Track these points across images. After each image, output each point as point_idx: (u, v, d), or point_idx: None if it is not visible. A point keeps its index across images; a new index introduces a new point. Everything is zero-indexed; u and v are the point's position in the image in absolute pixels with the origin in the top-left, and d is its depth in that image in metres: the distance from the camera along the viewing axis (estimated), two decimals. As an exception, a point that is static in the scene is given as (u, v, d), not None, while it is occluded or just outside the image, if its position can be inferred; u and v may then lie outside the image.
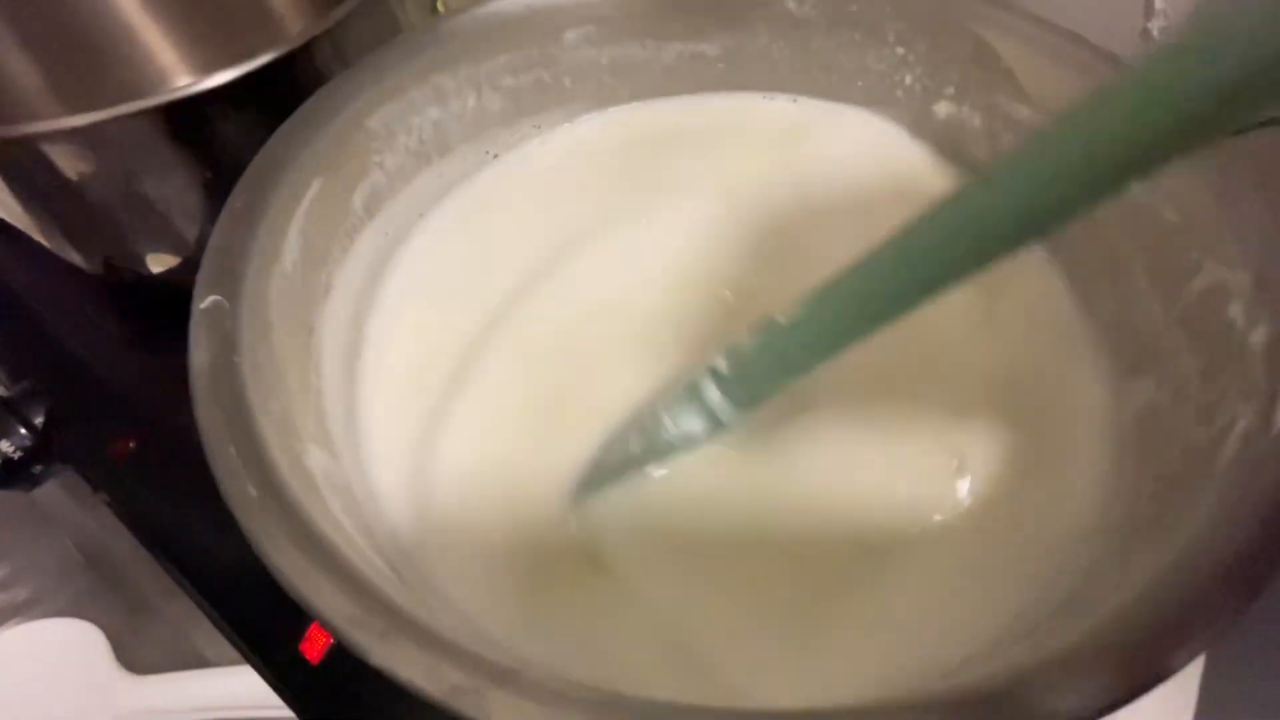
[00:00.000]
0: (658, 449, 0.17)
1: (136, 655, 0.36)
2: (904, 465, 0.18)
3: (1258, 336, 0.14)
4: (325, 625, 0.11)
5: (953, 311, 0.20)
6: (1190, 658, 0.10)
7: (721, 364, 0.16)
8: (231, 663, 0.34)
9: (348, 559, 0.12)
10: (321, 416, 0.18)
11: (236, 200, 0.17)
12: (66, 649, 0.35)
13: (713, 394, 0.16)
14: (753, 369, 0.16)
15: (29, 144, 0.24)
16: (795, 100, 0.27)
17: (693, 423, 0.17)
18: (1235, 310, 0.15)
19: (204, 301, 0.15)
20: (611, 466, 0.18)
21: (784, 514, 0.18)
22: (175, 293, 0.32)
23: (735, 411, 0.16)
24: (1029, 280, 0.22)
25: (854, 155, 0.26)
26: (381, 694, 0.25)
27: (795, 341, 0.15)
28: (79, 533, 0.43)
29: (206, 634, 0.37)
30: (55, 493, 0.41)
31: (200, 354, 0.14)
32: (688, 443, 0.17)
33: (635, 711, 0.10)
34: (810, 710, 0.10)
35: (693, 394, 0.16)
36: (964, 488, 0.18)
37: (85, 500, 0.42)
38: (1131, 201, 0.19)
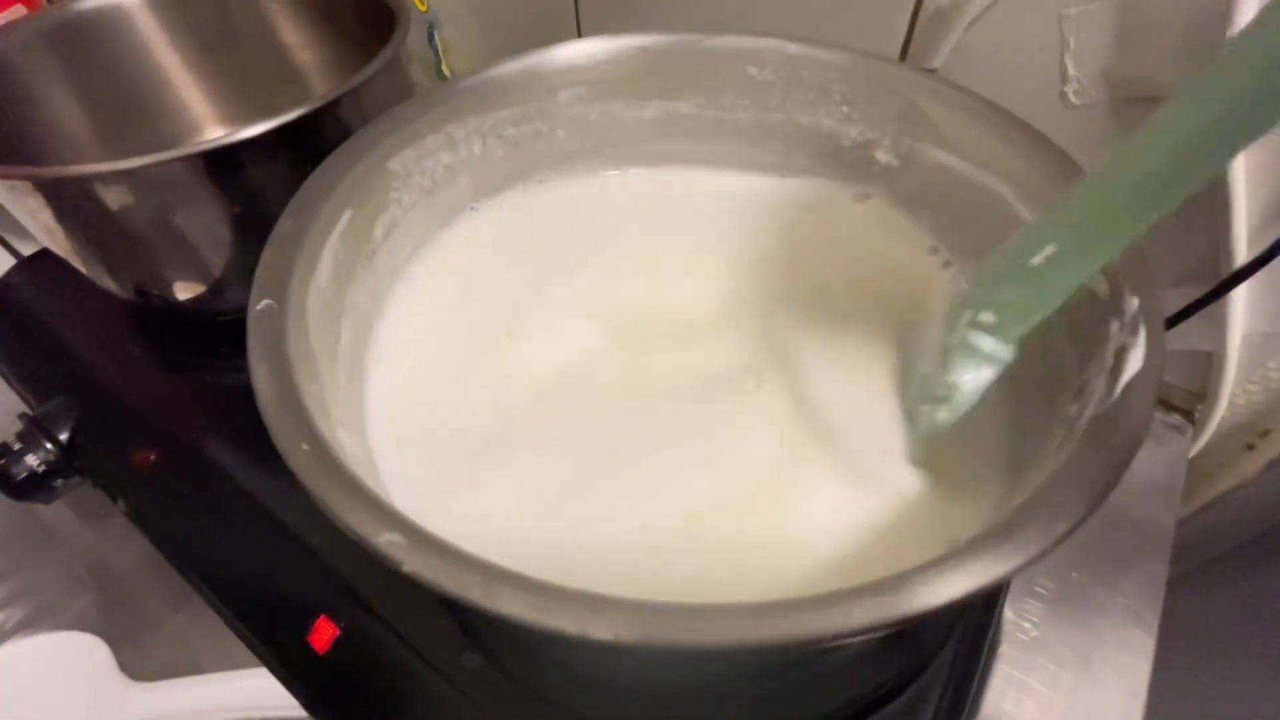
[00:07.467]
0: (959, 405, 0.20)
1: (139, 667, 0.37)
2: None
3: (1112, 328, 0.18)
4: (368, 547, 0.14)
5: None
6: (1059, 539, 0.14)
7: (987, 318, 0.19)
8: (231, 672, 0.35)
9: (380, 498, 0.15)
10: (349, 408, 0.21)
11: (284, 225, 0.21)
12: (72, 661, 0.36)
13: (986, 343, 0.19)
14: (1018, 308, 0.18)
15: (81, 184, 0.28)
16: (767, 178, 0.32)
17: (981, 373, 0.19)
18: (1097, 310, 0.19)
19: (259, 304, 0.18)
20: (922, 434, 0.21)
21: None
22: (199, 318, 0.35)
23: (1012, 347, 0.19)
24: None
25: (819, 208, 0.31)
26: (382, 680, 0.27)
27: (1051, 273, 0.17)
28: (85, 550, 0.44)
29: (207, 645, 0.39)
30: (62, 511, 0.43)
31: (256, 343, 0.18)
32: (981, 387, 0.20)
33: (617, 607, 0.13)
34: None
35: (968, 353, 0.19)
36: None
37: (92, 518, 0.43)
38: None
